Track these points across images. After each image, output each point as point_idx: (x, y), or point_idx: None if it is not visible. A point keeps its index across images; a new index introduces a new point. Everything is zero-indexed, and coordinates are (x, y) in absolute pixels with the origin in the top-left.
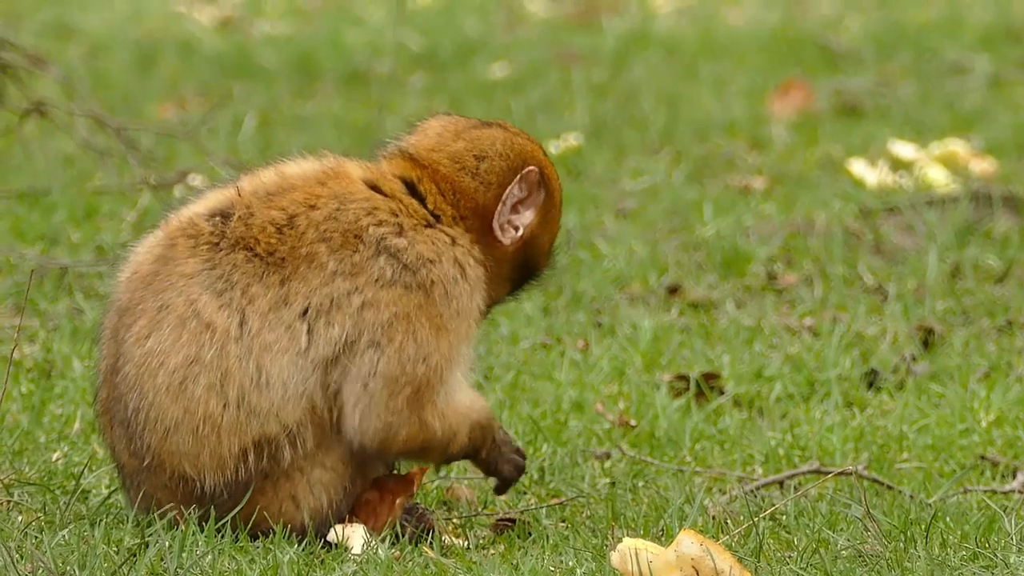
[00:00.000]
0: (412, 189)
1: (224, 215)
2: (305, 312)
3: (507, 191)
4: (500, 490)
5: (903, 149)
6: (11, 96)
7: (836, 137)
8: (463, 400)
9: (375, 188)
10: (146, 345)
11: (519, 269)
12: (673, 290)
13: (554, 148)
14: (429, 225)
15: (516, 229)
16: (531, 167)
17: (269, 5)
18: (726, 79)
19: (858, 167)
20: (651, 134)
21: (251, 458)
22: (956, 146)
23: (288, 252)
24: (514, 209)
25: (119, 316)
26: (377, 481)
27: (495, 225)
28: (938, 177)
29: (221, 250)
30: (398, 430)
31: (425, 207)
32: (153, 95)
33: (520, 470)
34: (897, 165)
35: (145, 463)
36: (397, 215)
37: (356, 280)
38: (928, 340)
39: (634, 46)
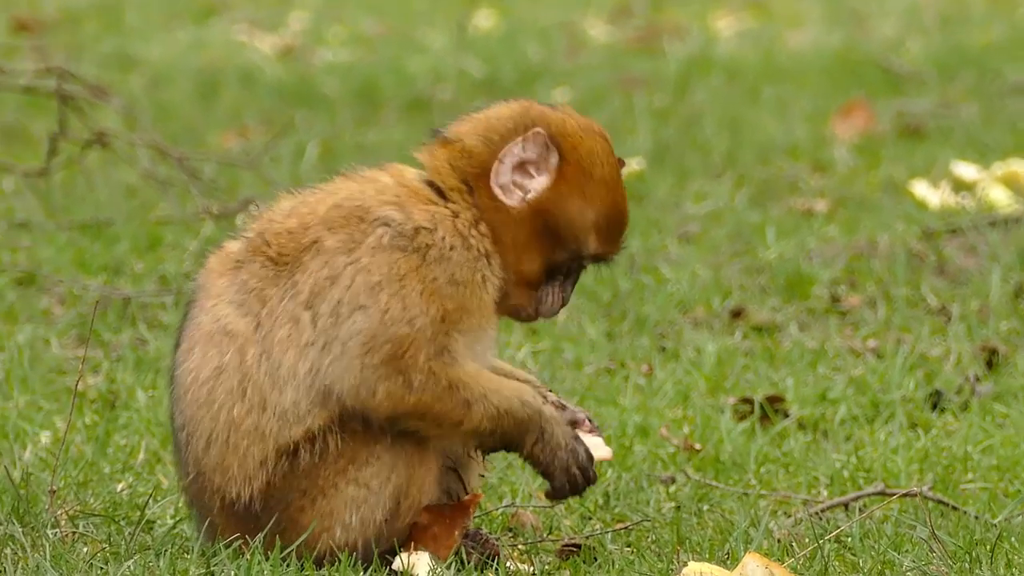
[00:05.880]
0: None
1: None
2: (307, 300)
3: (506, 148)
4: (550, 495)
5: (965, 170)
6: (73, 127)
7: (898, 159)
8: (472, 371)
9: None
10: (185, 365)
11: (543, 239)
12: (736, 313)
13: None
14: (433, 203)
15: (525, 192)
16: (537, 128)
17: (331, 33)
18: (788, 102)
19: (920, 189)
20: (714, 158)
21: (274, 466)
22: (1018, 166)
23: (294, 248)
24: (523, 171)
25: (175, 346)
26: (431, 508)
27: (493, 184)
28: (1000, 198)
29: (242, 264)
30: (375, 386)
31: (434, 187)
32: (215, 124)
33: (575, 487)
34: (959, 186)
35: (191, 479)
36: (399, 196)
37: (353, 253)
38: (992, 360)
39: (696, 70)
